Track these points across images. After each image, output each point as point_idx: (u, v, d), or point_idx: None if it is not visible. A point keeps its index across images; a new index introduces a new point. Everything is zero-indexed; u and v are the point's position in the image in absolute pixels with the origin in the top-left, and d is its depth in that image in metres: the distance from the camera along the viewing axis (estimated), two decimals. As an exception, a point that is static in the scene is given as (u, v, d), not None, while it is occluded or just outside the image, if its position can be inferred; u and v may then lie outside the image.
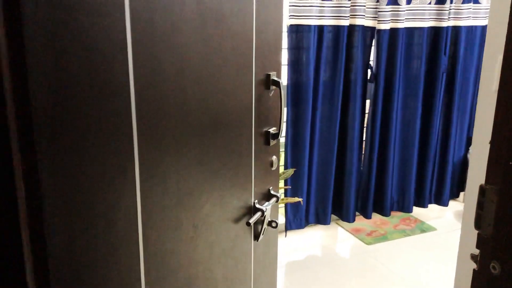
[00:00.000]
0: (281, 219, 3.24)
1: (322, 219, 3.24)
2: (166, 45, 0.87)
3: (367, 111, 3.23)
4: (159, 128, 0.88)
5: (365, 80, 3.11)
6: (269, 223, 1.47)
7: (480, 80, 1.11)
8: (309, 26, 2.81)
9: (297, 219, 3.14)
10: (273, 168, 1.50)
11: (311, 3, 2.76)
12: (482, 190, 1.08)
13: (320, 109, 3.03)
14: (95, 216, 0.74)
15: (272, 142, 1.43)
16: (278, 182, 1.55)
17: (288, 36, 2.81)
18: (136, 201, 0.83)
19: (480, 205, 1.10)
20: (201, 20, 0.98)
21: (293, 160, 3.02)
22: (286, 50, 2.84)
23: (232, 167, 1.22)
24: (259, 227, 1.43)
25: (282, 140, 3.07)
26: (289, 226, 3.12)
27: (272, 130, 1.43)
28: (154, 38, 0.83)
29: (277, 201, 1.49)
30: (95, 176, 0.73)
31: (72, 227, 0.70)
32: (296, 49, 2.85)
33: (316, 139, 3.07)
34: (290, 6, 2.74)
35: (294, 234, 3.25)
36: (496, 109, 1.03)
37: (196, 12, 0.96)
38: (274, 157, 1.49)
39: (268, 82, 1.37)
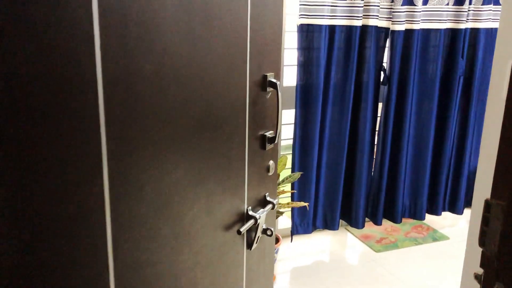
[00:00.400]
0: (287, 224, 3.17)
1: (330, 225, 3.15)
2: (142, 41, 0.81)
3: (379, 114, 3.14)
4: (133, 131, 0.82)
5: (377, 83, 3.01)
6: (264, 231, 1.40)
7: (489, 87, 1.03)
8: (320, 26, 2.73)
9: (304, 223, 3.07)
10: (270, 173, 1.43)
11: (322, 2, 2.69)
12: (487, 205, 1.00)
13: (330, 111, 2.95)
14: (52, 227, 0.69)
15: (269, 146, 1.37)
16: (276, 188, 1.49)
17: (298, 36, 2.74)
18: (104, 211, 0.77)
19: (485, 221, 1.02)
20: (185, 15, 0.92)
21: (300, 163, 2.94)
22: (296, 50, 2.77)
23: (222, 172, 1.15)
24: (253, 234, 1.36)
25: (289, 142, 3.01)
26: (295, 231, 3.05)
27: (269, 133, 1.36)
28: (127, 33, 0.77)
29: (273, 208, 1.42)
30: (51, 184, 0.68)
31: (21, 240, 0.64)
32: (306, 49, 2.77)
33: (325, 142, 2.99)
34: (300, 5, 2.66)
35: (300, 239, 3.17)
36: (504, 117, 0.95)
37: (179, 6, 0.90)
38: (271, 162, 1.42)
39: (265, 84, 1.30)
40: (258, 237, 1.36)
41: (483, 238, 1.04)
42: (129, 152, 0.81)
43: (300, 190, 2.99)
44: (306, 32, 2.74)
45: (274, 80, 1.31)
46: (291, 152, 2.94)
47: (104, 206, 0.77)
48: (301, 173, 2.89)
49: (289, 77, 2.92)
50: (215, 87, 1.07)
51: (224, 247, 1.22)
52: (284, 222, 3.24)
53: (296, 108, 2.85)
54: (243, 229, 1.23)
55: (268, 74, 1.30)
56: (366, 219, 3.28)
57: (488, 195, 0.99)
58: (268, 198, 1.42)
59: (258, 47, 1.24)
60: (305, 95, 2.85)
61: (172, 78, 0.91)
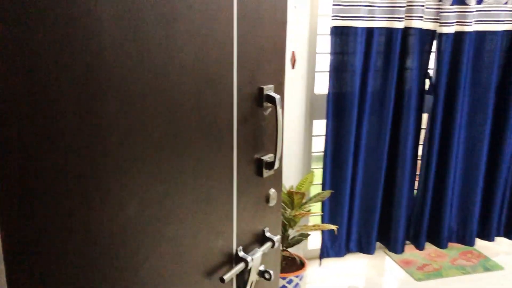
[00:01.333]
0: (317, 245, 2.90)
1: (365, 248, 2.85)
2: (61, 43, 0.61)
3: (423, 126, 2.81)
4: (42, 160, 0.62)
5: (422, 91, 2.69)
6: (262, 273, 1.17)
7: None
8: (356, 28, 2.45)
9: (336, 246, 2.79)
10: (271, 204, 1.20)
11: (359, 2, 2.41)
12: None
13: (367, 122, 2.66)
14: None
15: (267, 173, 1.14)
16: (279, 221, 1.25)
17: (332, 39, 2.48)
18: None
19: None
20: (129, 12, 0.71)
21: (332, 179, 2.67)
22: (329, 55, 2.51)
23: (199, 205, 0.93)
24: (246, 277, 1.13)
25: (319, 154, 2.74)
26: (325, 254, 2.77)
27: (268, 157, 1.13)
28: (36, 26, 0.57)
29: (272, 246, 1.19)
30: None
31: None
32: (340, 54, 2.51)
33: (360, 156, 2.70)
34: (334, 5, 2.40)
35: (332, 263, 2.89)
36: None
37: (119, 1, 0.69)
38: (272, 191, 1.19)
39: (261, 98, 1.07)
40: (252, 282, 1.13)
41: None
42: (46, 183, 0.61)
43: (331, 209, 2.72)
44: (340, 35, 2.47)
45: (272, 94, 1.07)
46: (321, 167, 2.68)
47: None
48: (331, 191, 2.62)
49: (321, 84, 2.66)
50: (185, 102, 0.85)
51: (204, 297, 1.00)
52: (314, 242, 2.97)
53: (327, 119, 2.59)
54: (228, 276, 1.01)
55: (265, 87, 1.07)
56: (407, 242, 2.95)
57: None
58: (267, 234, 1.19)
59: (251, 54, 1.01)
60: (338, 104, 2.58)
61: (114, 90, 0.71)
